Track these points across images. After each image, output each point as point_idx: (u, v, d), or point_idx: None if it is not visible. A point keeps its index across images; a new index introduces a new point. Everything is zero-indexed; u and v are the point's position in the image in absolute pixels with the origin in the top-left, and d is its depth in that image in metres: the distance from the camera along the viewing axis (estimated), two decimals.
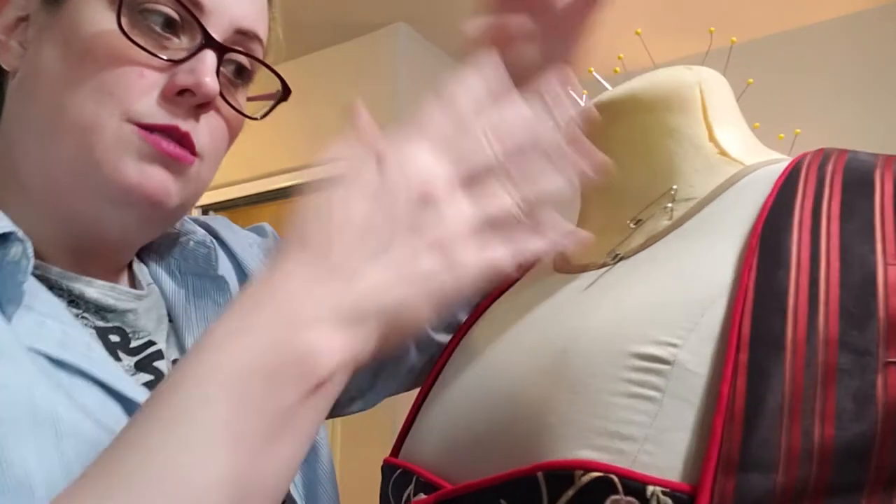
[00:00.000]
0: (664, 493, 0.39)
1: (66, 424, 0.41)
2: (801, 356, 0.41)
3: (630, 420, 0.43)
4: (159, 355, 0.54)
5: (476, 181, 0.39)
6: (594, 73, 0.72)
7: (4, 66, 0.51)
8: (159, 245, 0.62)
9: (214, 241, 0.63)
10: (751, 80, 0.70)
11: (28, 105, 0.50)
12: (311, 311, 0.34)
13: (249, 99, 0.59)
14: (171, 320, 0.60)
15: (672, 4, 2.11)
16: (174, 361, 0.56)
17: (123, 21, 0.48)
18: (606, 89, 0.63)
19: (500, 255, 0.40)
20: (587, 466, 0.42)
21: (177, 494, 0.30)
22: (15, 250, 0.44)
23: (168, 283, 0.60)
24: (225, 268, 0.64)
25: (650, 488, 0.40)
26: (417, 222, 0.37)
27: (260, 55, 0.56)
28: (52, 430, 0.40)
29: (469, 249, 0.38)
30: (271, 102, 0.60)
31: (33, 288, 0.46)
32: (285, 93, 0.59)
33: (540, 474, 0.44)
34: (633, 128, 0.60)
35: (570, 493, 0.42)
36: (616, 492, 0.40)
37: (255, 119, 0.58)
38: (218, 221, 0.71)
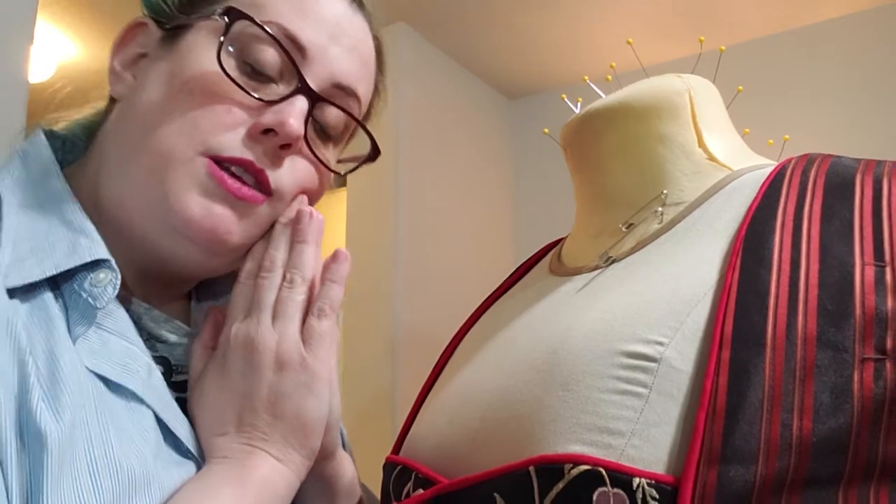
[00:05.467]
0: (649, 485, 0.41)
1: (105, 464, 0.41)
2: (780, 353, 0.42)
3: (618, 416, 0.45)
4: None
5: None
6: (588, 82, 0.74)
7: (114, 95, 0.53)
8: (218, 298, 0.62)
9: None
10: (740, 88, 0.72)
11: (120, 127, 0.51)
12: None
13: (340, 161, 0.59)
14: None
15: (663, 9, 2.12)
16: None
17: (227, 62, 0.49)
18: (600, 97, 0.65)
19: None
20: (576, 460, 0.44)
21: None
22: (104, 276, 0.45)
23: None
24: None
25: (636, 480, 0.41)
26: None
27: (356, 113, 0.56)
28: (89, 469, 0.41)
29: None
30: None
31: (108, 305, 0.47)
32: (374, 154, 0.59)
33: (531, 468, 0.45)
34: (625, 135, 0.62)
35: (560, 485, 0.44)
36: (604, 484, 0.42)
37: (339, 174, 0.57)
38: None
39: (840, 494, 0.41)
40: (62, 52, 2.19)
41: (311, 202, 0.56)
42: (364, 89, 0.57)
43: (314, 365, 0.49)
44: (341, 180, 2.35)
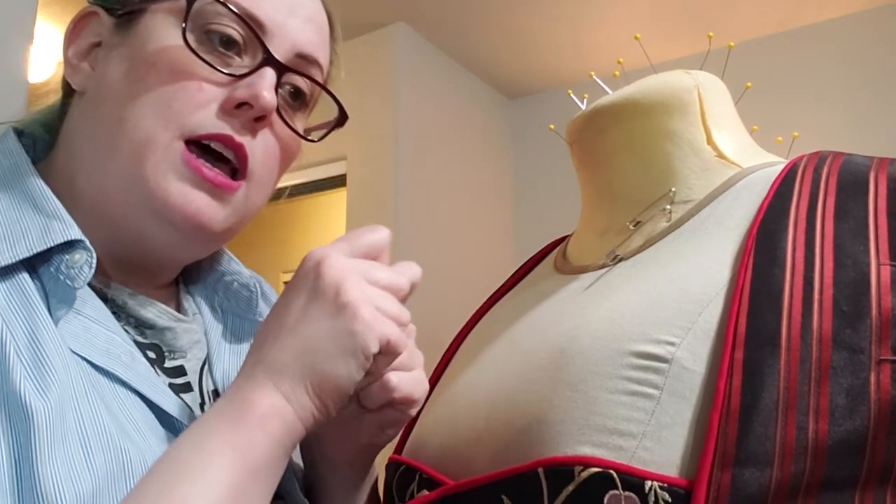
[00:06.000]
0: (662, 488, 0.40)
1: (98, 439, 0.42)
2: (795, 354, 0.41)
3: (629, 417, 0.44)
4: (188, 387, 0.54)
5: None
6: (595, 78, 0.73)
7: (74, 87, 0.53)
8: (206, 280, 0.62)
9: (259, 285, 0.63)
10: (749, 84, 0.71)
11: (90, 118, 0.51)
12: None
13: (309, 129, 0.60)
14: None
15: (670, 6, 2.11)
16: (213, 392, 0.56)
17: (189, 38, 0.49)
18: (607, 93, 0.64)
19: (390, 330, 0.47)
20: (587, 462, 0.43)
21: None
22: (79, 257, 0.46)
23: (208, 316, 0.60)
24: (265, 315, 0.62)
25: (648, 483, 0.41)
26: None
27: (319, 80, 0.57)
28: (81, 444, 0.41)
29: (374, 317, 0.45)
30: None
31: (83, 293, 0.47)
32: (342, 118, 0.59)
33: (540, 470, 0.45)
34: (633, 131, 0.61)
35: (570, 488, 0.43)
36: (615, 487, 0.41)
37: (312, 141, 0.58)
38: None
39: (856, 497, 0.40)
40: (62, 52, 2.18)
41: (282, 171, 0.57)
42: (324, 57, 0.58)
43: (347, 298, 0.45)
44: (341, 180, 2.34)
